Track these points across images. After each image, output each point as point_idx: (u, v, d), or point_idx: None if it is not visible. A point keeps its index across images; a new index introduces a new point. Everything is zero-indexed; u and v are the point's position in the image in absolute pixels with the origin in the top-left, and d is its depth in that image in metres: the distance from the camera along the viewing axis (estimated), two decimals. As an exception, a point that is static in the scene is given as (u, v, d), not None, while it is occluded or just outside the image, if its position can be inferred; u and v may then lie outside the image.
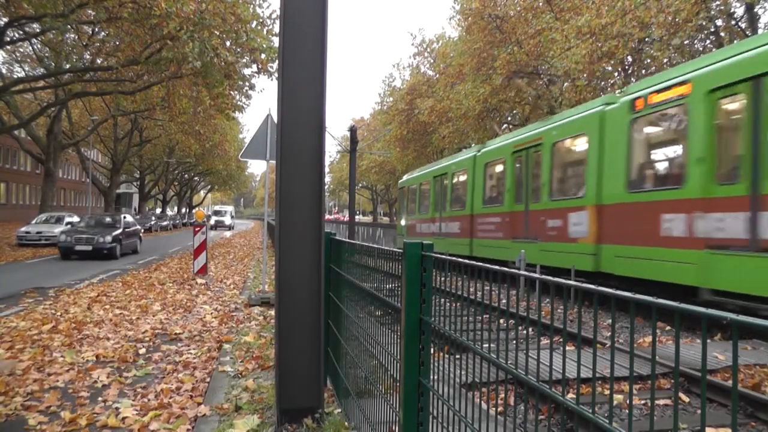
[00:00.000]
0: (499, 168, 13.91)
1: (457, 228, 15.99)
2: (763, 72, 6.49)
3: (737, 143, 7.15)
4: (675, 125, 8.41)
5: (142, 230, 27.92)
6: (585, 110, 10.61)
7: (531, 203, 12.00)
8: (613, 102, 9.64)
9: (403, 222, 22.04)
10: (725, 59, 7.33)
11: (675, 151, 8.48)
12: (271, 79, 21.13)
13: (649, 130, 9.10)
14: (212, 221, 49.19)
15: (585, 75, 19.62)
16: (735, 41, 18.80)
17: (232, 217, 61.00)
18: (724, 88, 7.13)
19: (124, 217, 21.67)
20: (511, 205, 12.83)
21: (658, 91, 8.35)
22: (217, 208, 67.01)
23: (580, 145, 10.62)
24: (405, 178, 23.32)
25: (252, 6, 18.00)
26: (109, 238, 18.44)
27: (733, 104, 7.24)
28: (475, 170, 15.08)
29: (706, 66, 7.58)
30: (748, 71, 6.74)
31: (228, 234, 42.45)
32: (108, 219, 21.16)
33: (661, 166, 8.98)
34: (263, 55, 18.08)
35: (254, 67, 18.92)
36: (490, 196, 14.44)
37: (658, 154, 9.14)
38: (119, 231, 19.36)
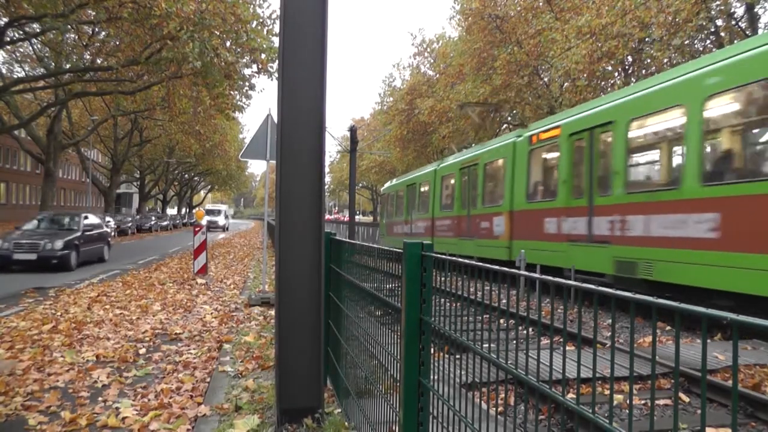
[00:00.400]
0: (451, 181, 16.93)
1: (422, 228, 19.24)
2: (594, 125, 9.89)
3: (583, 171, 10.20)
4: (552, 156, 11.58)
5: (113, 233, 26.98)
6: (505, 140, 13.70)
7: (471, 209, 15.05)
8: (521, 135, 12.83)
9: (384, 222, 26.16)
10: (577, 114, 10.75)
11: (552, 174, 11.68)
12: (272, 79, 21.15)
13: (539, 158, 12.20)
14: (204, 222, 45.87)
15: (585, 75, 19.62)
16: (735, 41, 18.81)
17: (227, 217, 54.62)
18: (576, 134, 10.43)
19: (85, 217, 17.52)
20: (459, 210, 15.98)
21: (544, 131, 11.66)
22: (209, 206, 59.20)
23: (501, 166, 13.54)
24: (386, 186, 27.12)
25: (252, 6, 18.01)
26: (59, 244, 14.68)
27: (581, 144, 10.39)
28: (435, 182, 18.28)
29: (568, 117, 11.02)
30: (588, 124, 10.11)
31: (222, 236, 39.37)
32: (65, 219, 17.15)
33: (544, 185, 12.05)
34: (263, 55, 18.09)
35: (254, 67, 18.93)
36: (445, 203, 17.49)
37: (543, 176, 12.25)
38: (75, 235, 15.63)
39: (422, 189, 19.74)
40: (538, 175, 12.22)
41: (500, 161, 13.51)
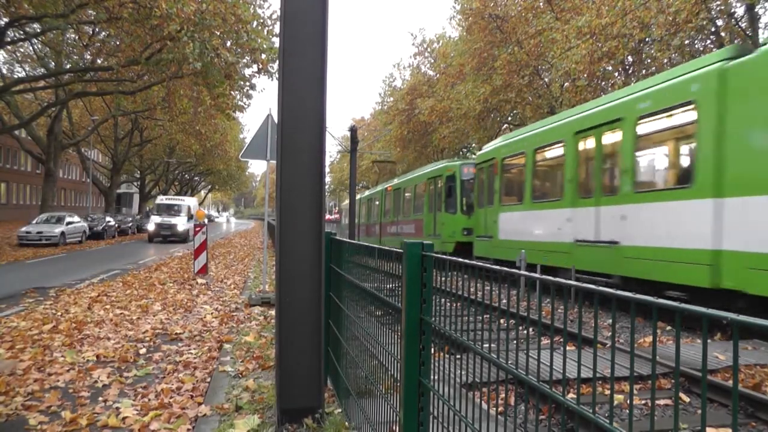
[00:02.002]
0: (391, 197, 24.29)
1: (377, 230, 26.96)
2: (503, 157, 13.66)
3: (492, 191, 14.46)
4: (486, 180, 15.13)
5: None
6: (434, 169, 19.15)
7: (400, 216, 22.58)
8: (453, 168, 17.71)
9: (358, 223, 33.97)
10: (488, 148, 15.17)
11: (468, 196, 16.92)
12: (272, 80, 21.16)
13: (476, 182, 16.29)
14: (152, 225, 30.08)
15: (585, 75, 19.62)
16: (736, 41, 18.79)
17: (191, 218, 30.13)
18: (482, 164, 15.18)
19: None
20: (392, 217, 23.70)
21: (477, 164, 15.80)
22: (164, 199, 33.95)
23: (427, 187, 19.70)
24: (358, 197, 32.29)
25: (252, 6, 18.01)
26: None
27: (482, 174, 15.01)
28: (384, 197, 26.02)
29: (482, 151, 15.67)
30: (497, 155, 13.98)
31: (180, 252, 22.08)
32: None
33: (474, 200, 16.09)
34: (263, 56, 18.10)
35: (254, 67, 18.94)
36: (388, 210, 24.88)
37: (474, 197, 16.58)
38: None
39: (377, 202, 27.62)
40: (471, 196, 17.03)
41: (426, 187, 19.49)
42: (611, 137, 9.59)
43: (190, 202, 34.44)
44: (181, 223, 29.89)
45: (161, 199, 33.77)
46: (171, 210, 31.23)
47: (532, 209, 12.05)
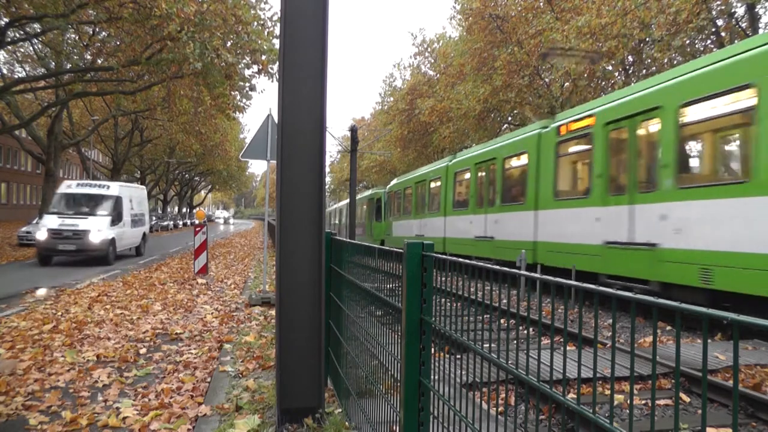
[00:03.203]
0: (364, 207, 30.65)
1: (344, 231, 31.40)
2: (392, 190, 23.89)
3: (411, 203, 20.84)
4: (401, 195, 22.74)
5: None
6: (371, 193, 28.50)
7: (375, 223, 27.27)
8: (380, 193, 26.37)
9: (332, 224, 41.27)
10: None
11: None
12: (272, 81, 21.13)
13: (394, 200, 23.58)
14: (42, 232, 16.58)
15: (586, 75, 19.62)
16: (736, 41, 18.78)
17: (119, 219, 18.33)
18: (389, 192, 24.54)
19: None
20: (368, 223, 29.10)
21: (387, 192, 25.17)
22: (73, 186, 18.70)
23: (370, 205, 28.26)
24: (326, 209, 39.03)
25: (254, 9, 18.00)
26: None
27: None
28: (340, 211, 36.13)
29: (390, 184, 24.67)
30: (390, 189, 22.97)
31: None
32: None
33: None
34: (264, 57, 18.09)
35: (255, 68, 18.93)
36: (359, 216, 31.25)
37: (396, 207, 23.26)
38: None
39: (340, 214, 36.09)
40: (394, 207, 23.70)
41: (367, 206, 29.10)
42: (487, 170, 14.20)
43: (123, 190, 19.08)
44: (96, 229, 16.72)
45: (67, 186, 18.67)
46: (81, 205, 17.88)
47: (409, 219, 21.18)
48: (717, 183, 7.46)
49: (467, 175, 15.16)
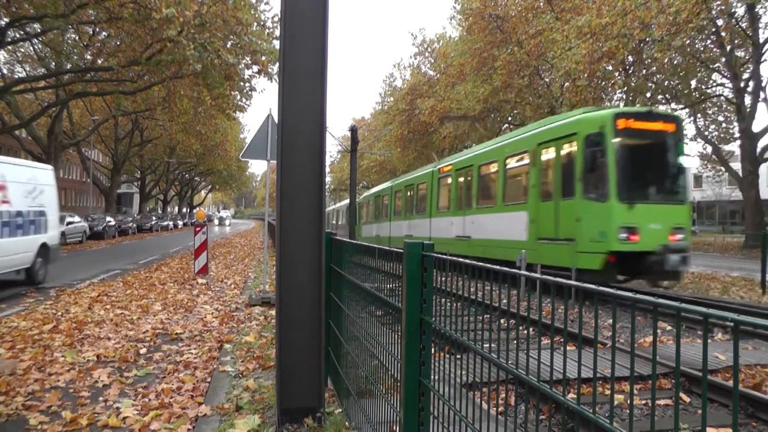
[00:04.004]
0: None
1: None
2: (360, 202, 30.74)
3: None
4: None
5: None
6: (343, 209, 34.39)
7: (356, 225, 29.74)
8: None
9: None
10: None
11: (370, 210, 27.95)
12: (272, 82, 21.14)
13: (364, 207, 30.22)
14: None
15: (586, 75, 19.61)
16: (736, 41, 18.74)
17: (28, 225, 11.42)
18: (361, 201, 30.48)
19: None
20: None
21: (359, 202, 30.70)
22: None
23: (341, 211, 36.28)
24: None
25: (254, 10, 18.00)
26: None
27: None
28: (337, 212, 40.03)
29: (362, 195, 31.61)
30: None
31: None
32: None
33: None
34: (264, 57, 18.09)
35: (255, 68, 18.94)
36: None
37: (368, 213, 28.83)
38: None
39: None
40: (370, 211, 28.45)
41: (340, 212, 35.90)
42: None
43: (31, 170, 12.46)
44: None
45: None
46: None
47: (371, 224, 27.27)
48: (489, 205, 13.79)
49: (402, 193, 21.76)
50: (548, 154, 11.23)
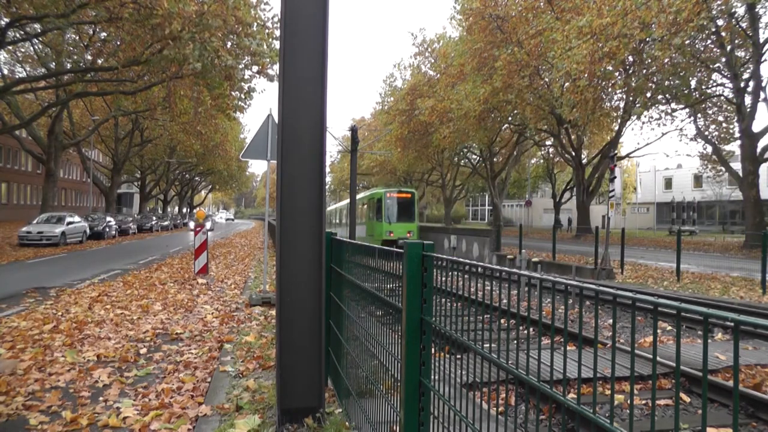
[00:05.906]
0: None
1: None
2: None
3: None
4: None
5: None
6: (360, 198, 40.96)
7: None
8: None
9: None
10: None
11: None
12: (272, 82, 21.15)
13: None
14: None
15: (586, 75, 19.61)
16: (736, 41, 18.77)
17: None
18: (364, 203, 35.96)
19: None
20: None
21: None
22: None
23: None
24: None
25: (254, 10, 18.01)
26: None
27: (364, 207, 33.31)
28: (340, 211, 47.60)
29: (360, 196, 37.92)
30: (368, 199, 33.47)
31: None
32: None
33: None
34: (264, 59, 18.10)
35: (254, 69, 18.95)
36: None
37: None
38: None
39: None
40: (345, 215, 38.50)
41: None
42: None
43: None
44: None
45: None
46: None
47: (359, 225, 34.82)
48: (362, 221, 29.40)
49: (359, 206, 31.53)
50: (368, 204, 28.35)
